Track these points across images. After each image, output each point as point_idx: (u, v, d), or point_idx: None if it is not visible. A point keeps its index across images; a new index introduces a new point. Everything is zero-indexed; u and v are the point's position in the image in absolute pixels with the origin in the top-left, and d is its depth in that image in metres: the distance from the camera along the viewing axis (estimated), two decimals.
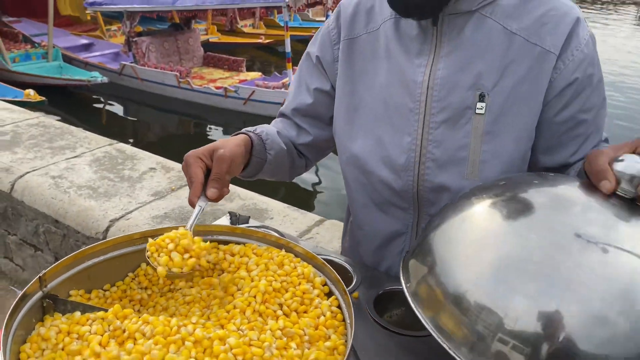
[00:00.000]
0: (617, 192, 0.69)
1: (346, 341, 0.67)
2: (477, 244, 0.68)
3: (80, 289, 0.77)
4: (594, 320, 0.58)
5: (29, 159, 2.55)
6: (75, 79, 8.37)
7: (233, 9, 11.12)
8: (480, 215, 0.72)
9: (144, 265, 0.83)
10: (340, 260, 1.04)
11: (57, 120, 3.25)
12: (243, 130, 1.05)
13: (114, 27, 11.31)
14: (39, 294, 0.70)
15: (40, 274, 0.70)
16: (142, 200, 2.22)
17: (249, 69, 9.90)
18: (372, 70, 1.02)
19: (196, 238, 0.77)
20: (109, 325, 0.67)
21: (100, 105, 8.93)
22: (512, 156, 0.94)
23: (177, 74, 8.23)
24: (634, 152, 0.71)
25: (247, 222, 1.19)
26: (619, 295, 0.59)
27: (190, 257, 0.74)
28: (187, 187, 0.83)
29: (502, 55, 0.92)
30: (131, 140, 7.36)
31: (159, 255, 0.73)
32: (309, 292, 0.75)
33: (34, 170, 2.43)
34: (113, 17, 11.41)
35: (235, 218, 1.16)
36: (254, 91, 7.78)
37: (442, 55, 0.94)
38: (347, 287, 0.92)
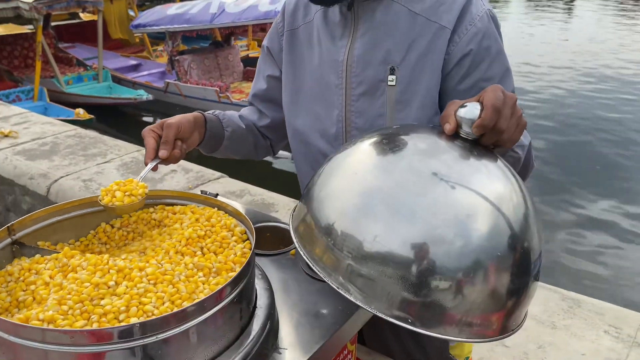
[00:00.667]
0: (460, 135, 0.79)
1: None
2: (348, 180, 0.79)
3: (47, 241, 0.94)
4: (437, 239, 0.69)
5: (64, 165, 2.81)
6: (123, 98, 8.85)
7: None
8: (356, 155, 0.83)
9: (103, 224, 1.00)
10: (285, 225, 1.18)
11: (92, 131, 3.53)
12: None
13: (160, 48, 11.85)
14: (8, 240, 0.88)
15: (9, 224, 0.87)
16: None
17: None
18: (309, 56, 1.17)
19: (140, 183, 0.94)
20: (59, 263, 0.83)
21: (148, 121, 9.37)
22: (419, 121, 1.05)
23: (217, 89, 8.57)
24: (478, 101, 0.80)
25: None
26: (456, 220, 0.70)
27: (131, 195, 0.92)
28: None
29: (407, 33, 1.04)
30: None
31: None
32: (227, 238, 0.89)
33: (67, 175, 2.69)
34: (159, 39, 11.99)
35: (204, 193, 1.32)
36: None
37: (358, 36, 1.07)
38: (287, 247, 1.07)
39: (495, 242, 0.70)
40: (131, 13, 12.30)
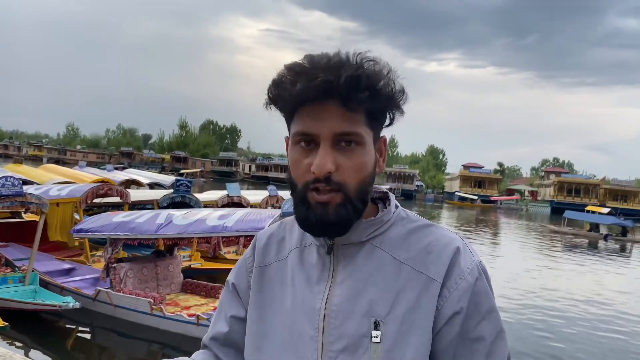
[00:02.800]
0: None
1: None
2: None
3: None
4: None
5: None
6: (47, 304, 8.20)
7: (217, 237, 11.47)
8: None
9: None
10: None
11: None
12: None
13: (99, 253, 11.51)
14: None
15: None
16: None
17: None
18: (280, 297, 1.05)
19: None
20: None
21: (71, 331, 8.60)
22: None
23: (151, 300, 8.11)
24: None
25: None
26: None
27: None
28: None
29: (392, 282, 0.95)
30: None
31: None
32: None
33: None
34: (101, 243, 11.71)
35: None
36: None
37: (338, 282, 0.98)
38: None
39: None
40: (76, 216, 12.18)
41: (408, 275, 0.95)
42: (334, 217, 0.94)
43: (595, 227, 34.54)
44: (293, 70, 0.92)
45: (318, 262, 1.01)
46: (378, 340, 0.92)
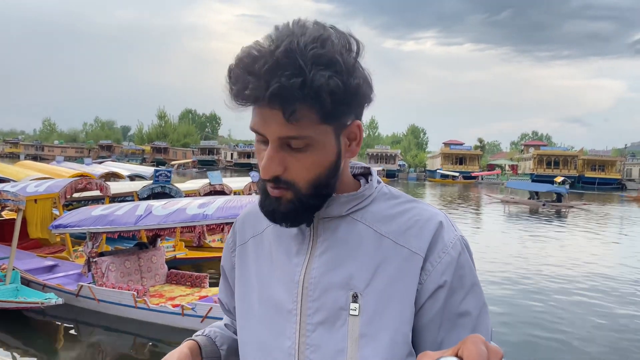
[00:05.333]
0: None
1: None
2: None
3: None
4: None
5: None
6: (29, 302, 8.11)
7: (202, 226, 11.42)
8: None
9: None
10: None
11: None
12: (192, 336, 1.17)
13: (81, 248, 11.38)
14: None
15: None
16: None
17: (215, 284, 9.81)
18: (257, 271, 1.07)
19: None
20: None
21: (56, 328, 8.53)
22: None
23: (135, 292, 8.06)
24: (456, 355, 0.66)
25: None
26: None
27: None
28: None
29: (372, 255, 0.95)
30: None
31: None
32: None
33: None
34: (83, 239, 11.58)
35: None
36: (211, 308, 7.56)
37: (317, 254, 0.98)
38: None
39: None
40: (56, 212, 12.02)
41: (389, 249, 0.94)
42: (284, 210, 0.95)
43: (534, 194, 37.10)
44: (232, 70, 0.88)
45: (297, 234, 1.01)
46: (356, 313, 0.92)
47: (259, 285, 1.05)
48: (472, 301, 0.94)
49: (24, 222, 10.62)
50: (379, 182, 1.05)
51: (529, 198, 36.86)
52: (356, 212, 0.99)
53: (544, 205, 33.80)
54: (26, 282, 9.11)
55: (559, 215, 29.81)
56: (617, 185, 64.09)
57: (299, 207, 0.94)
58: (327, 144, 0.92)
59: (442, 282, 0.92)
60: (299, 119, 0.86)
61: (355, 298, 0.93)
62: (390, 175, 70.13)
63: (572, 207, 33.70)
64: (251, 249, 1.10)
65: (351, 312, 0.92)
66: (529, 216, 28.87)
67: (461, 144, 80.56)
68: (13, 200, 8.76)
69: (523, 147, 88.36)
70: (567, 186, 39.33)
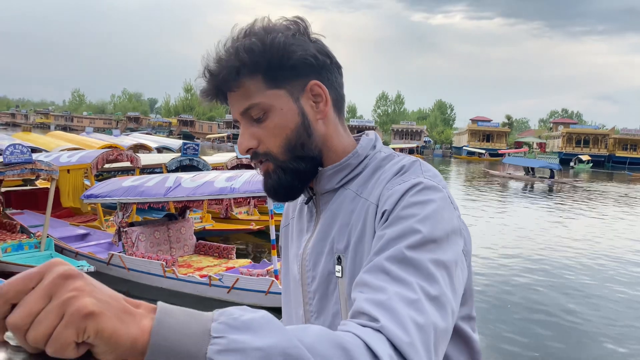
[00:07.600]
0: None
1: None
2: None
3: None
4: None
5: None
6: None
7: (229, 199, 11.58)
8: None
9: None
10: None
11: None
12: None
13: (112, 218, 11.67)
14: None
15: None
16: None
17: (242, 256, 9.98)
18: (286, 252, 1.17)
19: None
20: None
21: None
22: None
23: (164, 262, 8.26)
24: None
25: None
26: None
27: None
28: None
29: (348, 216, 0.98)
30: None
31: None
32: None
33: None
34: (113, 208, 11.86)
35: None
36: (237, 279, 7.72)
37: (317, 229, 1.03)
38: None
39: None
40: (87, 182, 12.30)
41: (359, 206, 0.96)
42: (275, 183, 1.00)
43: (530, 170, 38.24)
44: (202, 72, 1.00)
45: (307, 214, 1.09)
46: (340, 274, 0.96)
47: (286, 263, 1.16)
48: (398, 228, 0.83)
49: (57, 191, 10.90)
50: (374, 148, 1.04)
51: (525, 174, 38.01)
52: (347, 183, 1.01)
53: (539, 178, 35.75)
54: (59, 250, 9.41)
55: (551, 190, 30.63)
56: None
57: (283, 176, 0.99)
58: (284, 107, 0.97)
59: (381, 215, 0.89)
60: (245, 87, 0.96)
61: (339, 260, 0.97)
62: (412, 152, 69.69)
63: (564, 183, 35.08)
64: (291, 229, 1.17)
65: (337, 274, 0.97)
66: (523, 192, 29.70)
67: (489, 121, 79.33)
68: (47, 170, 9.00)
69: (552, 124, 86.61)
70: (558, 162, 41.35)
